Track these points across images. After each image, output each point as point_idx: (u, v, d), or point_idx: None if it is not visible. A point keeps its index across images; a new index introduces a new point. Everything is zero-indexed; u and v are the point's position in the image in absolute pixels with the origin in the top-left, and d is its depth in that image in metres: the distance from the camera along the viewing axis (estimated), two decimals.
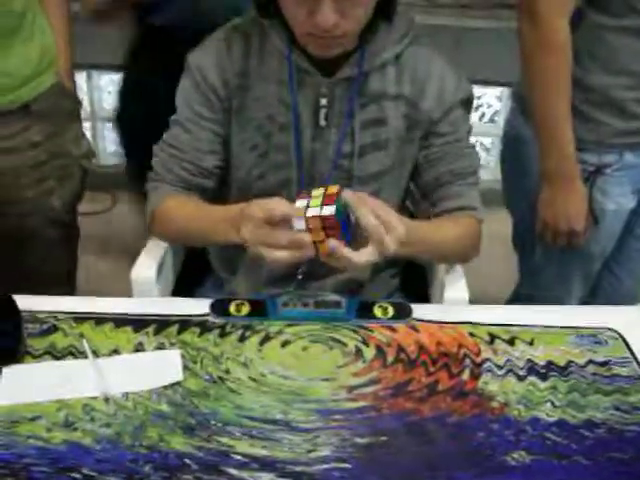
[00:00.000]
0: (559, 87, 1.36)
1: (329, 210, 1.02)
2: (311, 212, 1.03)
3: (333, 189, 1.06)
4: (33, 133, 1.48)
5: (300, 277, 1.35)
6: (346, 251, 1.05)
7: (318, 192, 1.06)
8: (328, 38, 1.14)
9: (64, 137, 1.54)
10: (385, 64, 1.26)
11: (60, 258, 1.66)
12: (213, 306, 1.19)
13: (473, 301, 1.32)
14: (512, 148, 1.59)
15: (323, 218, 1.02)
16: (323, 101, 1.26)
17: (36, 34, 1.46)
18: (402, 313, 1.19)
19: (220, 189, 1.37)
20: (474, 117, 3.19)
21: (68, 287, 1.73)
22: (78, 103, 1.62)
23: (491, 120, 3.21)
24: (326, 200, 1.04)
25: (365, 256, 1.05)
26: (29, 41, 1.44)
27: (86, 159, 1.61)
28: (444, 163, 1.32)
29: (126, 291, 1.32)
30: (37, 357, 1.08)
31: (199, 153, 1.31)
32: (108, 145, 3.30)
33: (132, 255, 1.40)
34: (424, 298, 1.50)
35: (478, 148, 3.27)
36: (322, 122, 1.27)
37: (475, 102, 3.25)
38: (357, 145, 1.27)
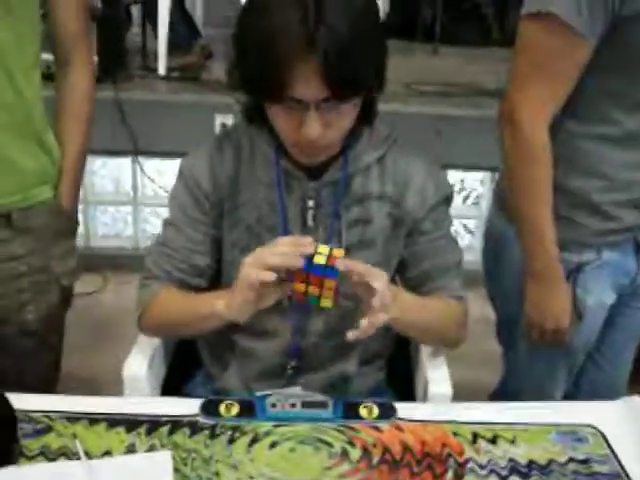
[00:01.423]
0: (542, 195, 1.41)
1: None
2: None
3: (339, 253, 1.14)
4: (15, 246, 1.44)
5: (290, 372, 1.39)
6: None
7: (324, 249, 1.14)
8: (314, 147, 1.20)
9: (48, 253, 1.49)
10: (369, 166, 1.32)
11: (37, 369, 1.57)
12: (203, 406, 1.21)
13: (456, 382, 1.36)
14: (494, 247, 1.64)
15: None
16: (310, 203, 1.31)
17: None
18: (387, 413, 1.22)
19: (212, 287, 1.40)
20: (458, 200, 3.27)
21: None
22: (74, 223, 1.58)
23: (474, 203, 3.29)
24: (330, 260, 1.13)
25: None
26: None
27: (69, 277, 1.54)
28: (429, 259, 1.38)
29: (116, 377, 1.36)
30: (31, 458, 1.10)
31: (191, 253, 1.36)
32: (99, 227, 3.35)
33: (122, 336, 1.44)
34: (410, 390, 1.54)
35: (462, 230, 3.35)
36: (310, 223, 1.32)
37: (458, 186, 3.35)
38: (344, 244, 1.32)
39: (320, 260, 1.13)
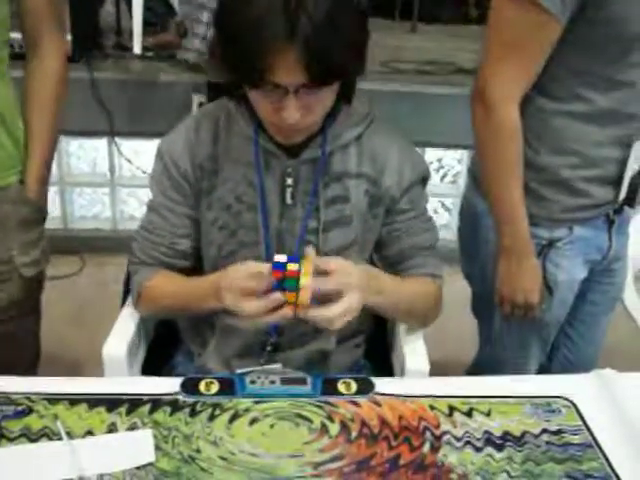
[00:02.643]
0: (512, 170, 1.43)
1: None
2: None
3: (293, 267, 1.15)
4: None
5: (269, 349, 1.40)
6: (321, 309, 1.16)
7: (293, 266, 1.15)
8: (293, 130, 1.21)
9: (9, 244, 1.46)
10: (347, 145, 1.34)
11: (11, 356, 1.54)
12: (183, 385, 1.23)
13: (435, 361, 1.38)
14: (469, 222, 1.66)
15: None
16: (289, 181, 1.32)
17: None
18: (365, 388, 1.24)
19: (195, 266, 1.43)
20: (436, 178, 3.29)
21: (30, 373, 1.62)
22: (40, 212, 1.52)
23: (452, 181, 3.31)
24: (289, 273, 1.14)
25: (337, 309, 1.16)
26: None
27: (31, 267, 1.51)
28: (406, 238, 1.40)
29: (96, 358, 1.36)
30: (12, 440, 1.11)
31: (174, 237, 1.38)
32: (76, 209, 3.34)
33: (102, 317, 1.46)
34: (388, 365, 1.56)
35: (440, 208, 3.36)
36: (289, 201, 1.33)
37: (436, 164, 3.36)
38: (322, 221, 1.33)
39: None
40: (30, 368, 1.65)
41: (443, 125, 2.98)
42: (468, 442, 1.15)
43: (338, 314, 1.16)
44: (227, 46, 1.16)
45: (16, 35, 1.43)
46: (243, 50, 1.11)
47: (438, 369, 1.39)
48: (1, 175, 1.43)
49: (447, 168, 3.31)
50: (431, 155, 3.24)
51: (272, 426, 1.16)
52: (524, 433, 1.18)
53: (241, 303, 1.18)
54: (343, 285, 1.17)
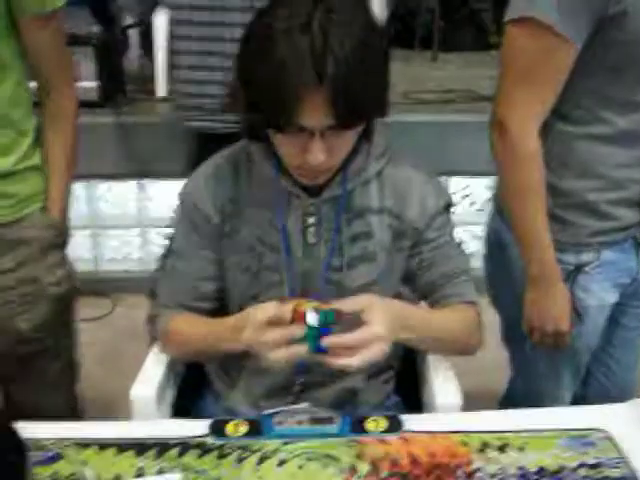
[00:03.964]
0: (534, 197, 1.42)
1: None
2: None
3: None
4: (5, 262, 1.48)
5: (297, 389, 1.39)
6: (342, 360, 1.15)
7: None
8: (317, 171, 1.21)
9: (37, 265, 1.53)
10: (368, 181, 1.33)
11: (46, 375, 1.63)
12: (212, 427, 1.22)
13: (467, 391, 1.36)
14: (495, 251, 1.64)
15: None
16: (311, 220, 1.32)
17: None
18: (394, 426, 1.22)
19: (220, 307, 1.42)
20: (464, 207, 3.27)
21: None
22: (63, 235, 1.60)
23: (480, 209, 3.28)
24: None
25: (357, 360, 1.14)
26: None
27: (58, 286, 1.57)
28: (436, 268, 1.38)
29: (127, 399, 1.37)
30: None
31: (196, 281, 1.39)
32: (106, 252, 3.37)
33: (132, 359, 1.47)
34: (419, 400, 1.54)
35: (468, 236, 3.34)
36: (311, 240, 1.33)
37: (463, 192, 3.34)
38: (346, 258, 1.32)
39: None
40: (69, 384, 1.73)
41: (468, 153, 2.96)
42: (502, 479, 1.13)
43: (358, 365, 1.15)
44: (252, 90, 1.15)
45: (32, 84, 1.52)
46: (270, 95, 1.10)
47: (469, 400, 1.36)
48: (27, 203, 1.50)
49: (474, 196, 3.29)
50: (457, 183, 3.23)
51: (301, 467, 1.15)
52: (561, 468, 1.15)
53: (259, 334, 1.17)
54: (365, 341, 1.15)
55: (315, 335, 1.13)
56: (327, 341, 1.14)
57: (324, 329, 1.13)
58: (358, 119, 1.15)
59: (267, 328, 1.16)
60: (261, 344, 1.17)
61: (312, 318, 1.13)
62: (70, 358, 1.72)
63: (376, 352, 1.15)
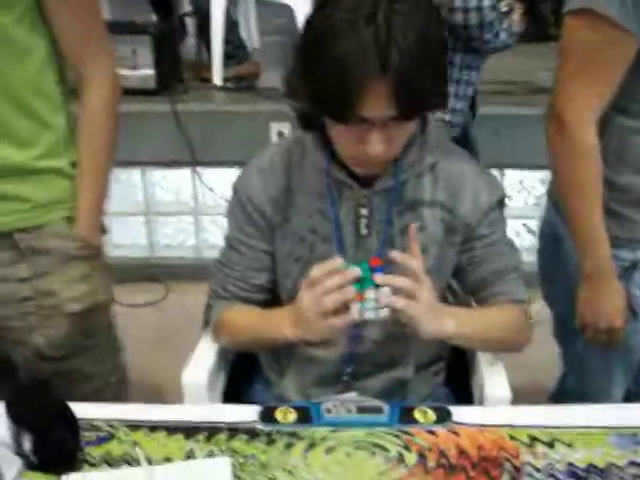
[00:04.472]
0: (590, 192, 1.40)
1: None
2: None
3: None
4: (21, 269, 1.40)
5: (346, 378, 1.40)
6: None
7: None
8: (374, 162, 1.21)
9: (54, 278, 1.43)
10: (421, 173, 1.32)
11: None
12: (261, 413, 1.24)
13: (517, 387, 1.34)
14: (549, 245, 1.62)
15: None
16: (363, 211, 1.32)
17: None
18: (443, 417, 1.22)
19: (273, 298, 1.44)
20: (519, 200, 3.24)
21: None
22: (89, 248, 1.47)
23: (536, 203, 3.24)
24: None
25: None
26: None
27: (76, 302, 1.46)
28: (487, 264, 1.37)
29: (179, 384, 1.39)
30: (94, 465, 1.14)
31: (249, 271, 1.40)
32: (161, 238, 3.42)
33: (185, 344, 1.49)
34: (469, 393, 1.53)
35: (523, 231, 3.29)
36: (363, 231, 1.33)
37: (519, 185, 3.30)
38: (397, 251, 1.32)
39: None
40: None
41: (524, 146, 2.93)
42: (551, 475, 1.12)
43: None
44: (313, 82, 1.14)
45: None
46: (333, 87, 1.10)
47: (520, 396, 1.36)
48: (48, 210, 1.41)
49: (529, 189, 3.25)
50: (512, 177, 3.19)
51: (348, 455, 1.15)
52: (609, 465, 1.13)
53: (320, 298, 1.18)
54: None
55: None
56: (381, 279, 1.17)
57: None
58: (420, 110, 1.15)
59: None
60: (317, 301, 1.19)
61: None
62: (107, 381, 1.61)
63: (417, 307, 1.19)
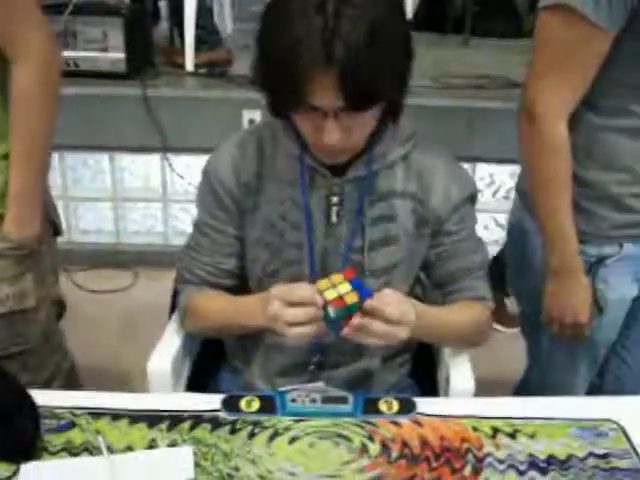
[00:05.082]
0: (560, 187, 1.40)
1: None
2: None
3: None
4: None
5: (312, 368, 1.40)
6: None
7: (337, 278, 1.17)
8: (335, 150, 1.21)
9: None
10: (393, 164, 1.32)
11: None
12: (224, 402, 1.23)
13: (482, 380, 1.36)
14: (517, 240, 1.63)
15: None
16: (334, 199, 1.31)
17: None
18: (407, 408, 1.23)
19: (240, 284, 1.43)
20: (488, 194, 3.25)
21: None
22: (19, 249, 1.39)
23: (505, 197, 3.26)
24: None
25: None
26: None
27: (5, 303, 1.41)
28: (454, 261, 1.38)
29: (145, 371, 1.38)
30: (54, 454, 1.13)
31: (219, 256, 1.39)
32: (129, 224, 3.39)
33: (152, 332, 1.48)
34: (434, 384, 1.54)
35: (492, 224, 3.31)
36: (334, 219, 1.32)
37: (489, 179, 3.32)
38: (367, 240, 1.32)
39: (331, 294, 1.15)
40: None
41: (495, 140, 2.94)
42: (511, 465, 1.13)
43: (385, 332, 1.16)
44: (268, 68, 1.16)
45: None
46: (282, 73, 1.11)
47: (484, 388, 1.37)
48: None
49: (499, 183, 3.26)
50: (483, 170, 3.21)
51: (312, 445, 1.16)
52: (569, 457, 1.15)
53: (284, 310, 1.17)
54: (402, 316, 1.17)
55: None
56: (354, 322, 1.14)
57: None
58: (369, 102, 1.14)
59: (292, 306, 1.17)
60: (284, 320, 1.17)
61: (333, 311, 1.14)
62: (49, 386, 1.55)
63: (400, 334, 1.17)
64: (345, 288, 1.15)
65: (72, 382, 1.64)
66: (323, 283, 1.16)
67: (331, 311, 1.13)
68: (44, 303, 1.51)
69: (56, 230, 1.58)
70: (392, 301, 1.17)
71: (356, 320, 1.14)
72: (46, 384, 1.55)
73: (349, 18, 1.06)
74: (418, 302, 1.35)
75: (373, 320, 1.14)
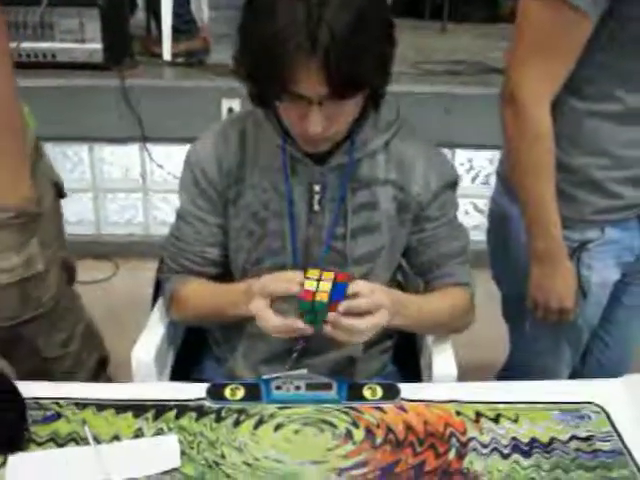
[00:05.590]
0: (543, 173, 1.41)
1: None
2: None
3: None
4: None
5: (295, 355, 1.40)
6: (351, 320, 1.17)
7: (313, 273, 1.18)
8: (318, 139, 1.21)
9: None
10: (375, 151, 1.33)
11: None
12: (209, 391, 1.23)
13: (465, 365, 1.37)
14: (498, 225, 1.64)
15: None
16: (316, 187, 1.32)
17: None
18: (390, 394, 1.24)
19: (225, 272, 1.44)
20: (467, 179, 3.27)
21: None
22: (21, 215, 1.39)
23: (484, 182, 3.28)
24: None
25: (364, 323, 1.17)
26: None
27: (8, 273, 1.41)
28: (436, 247, 1.39)
29: (128, 362, 1.38)
30: (41, 444, 1.13)
31: (203, 245, 1.40)
32: (109, 215, 3.38)
33: (134, 322, 1.48)
34: (416, 370, 1.55)
35: (472, 210, 3.32)
36: (316, 207, 1.33)
37: (468, 165, 3.33)
38: (349, 228, 1.33)
39: (311, 285, 1.16)
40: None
41: (474, 125, 2.96)
42: (495, 449, 1.14)
43: (364, 328, 1.18)
44: (251, 57, 1.15)
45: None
46: (266, 62, 1.10)
47: (467, 374, 1.38)
48: None
49: (478, 169, 3.28)
50: (462, 156, 3.22)
51: (297, 432, 1.16)
52: (552, 440, 1.17)
53: (267, 312, 1.19)
54: (375, 305, 1.18)
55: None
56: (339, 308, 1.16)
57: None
58: (352, 90, 1.14)
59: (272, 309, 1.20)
60: (265, 319, 1.20)
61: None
62: (64, 352, 1.61)
63: (380, 321, 1.19)
64: (325, 287, 1.15)
65: (89, 343, 1.68)
66: (312, 272, 1.17)
67: (300, 301, 1.15)
68: (53, 266, 1.53)
69: (60, 192, 1.59)
70: (363, 291, 1.18)
71: (331, 316, 1.16)
72: (64, 345, 1.60)
73: (333, 5, 1.06)
74: (398, 291, 1.36)
75: (344, 317, 1.16)
